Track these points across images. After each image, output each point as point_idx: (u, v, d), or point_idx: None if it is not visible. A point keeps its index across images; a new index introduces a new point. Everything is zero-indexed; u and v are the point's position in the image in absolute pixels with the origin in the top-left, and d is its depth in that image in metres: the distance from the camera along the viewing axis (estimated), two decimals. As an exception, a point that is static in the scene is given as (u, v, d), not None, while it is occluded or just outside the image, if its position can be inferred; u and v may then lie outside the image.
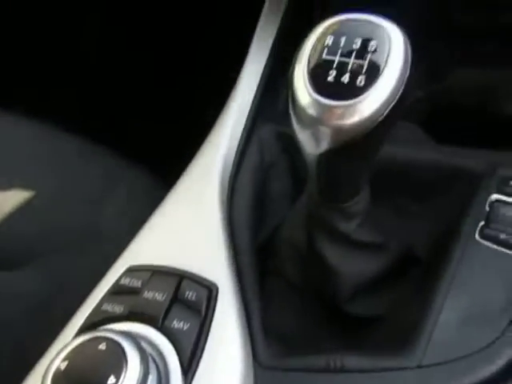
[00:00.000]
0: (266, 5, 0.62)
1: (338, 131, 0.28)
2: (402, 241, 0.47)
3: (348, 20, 0.30)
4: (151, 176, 0.67)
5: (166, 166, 0.62)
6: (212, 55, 0.88)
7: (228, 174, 0.46)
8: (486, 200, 0.44)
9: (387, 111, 0.28)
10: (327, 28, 0.30)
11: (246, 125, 0.51)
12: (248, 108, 0.51)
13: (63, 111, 0.82)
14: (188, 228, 0.41)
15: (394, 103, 0.28)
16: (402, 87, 0.28)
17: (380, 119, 0.28)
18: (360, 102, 0.27)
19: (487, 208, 0.44)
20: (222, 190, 0.44)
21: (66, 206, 0.58)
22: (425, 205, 0.50)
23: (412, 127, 0.54)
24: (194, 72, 0.89)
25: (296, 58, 0.30)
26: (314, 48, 0.29)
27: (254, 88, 0.54)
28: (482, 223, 0.43)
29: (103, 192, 0.60)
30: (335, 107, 0.28)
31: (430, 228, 0.49)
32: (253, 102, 0.52)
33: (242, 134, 0.50)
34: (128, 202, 0.59)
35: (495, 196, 0.44)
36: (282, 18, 0.61)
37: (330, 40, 0.29)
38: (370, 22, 0.29)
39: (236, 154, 0.47)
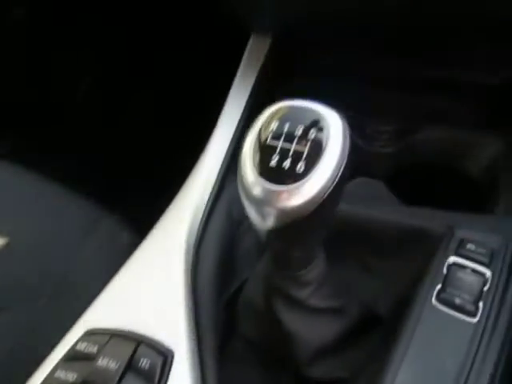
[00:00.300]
0: (241, 67, 0.65)
1: (281, 212, 0.30)
2: (363, 300, 0.48)
3: (293, 107, 0.31)
4: (129, 223, 0.68)
5: (143, 214, 0.63)
6: (187, 110, 0.91)
7: (195, 234, 0.47)
8: (444, 262, 0.45)
9: (327, 194, 0.29)
10: (273, 113, 0.32)
11: (215, 182, 0.52)
12: (218, 166, 0.53)
13: (45, 152, 0.84)
14: (150, 291, 0.42)
15: (332, 187, 0.29)
16: (341, 172, 0.29)
17: (320, 201, 0.29)
18: (299, 187, 0.29)
19: (445, 271, 0.45)
20: (187, 250, 0.45)
21: (39, 254, 0.59)
22: (387, 263, 0.51)
23: (377, 184, 0.56)
24: (169, 127, 0.92)
25: (245, 140, 0.32)
26: (260, 132, 0.31)
27: (226, 147, 0.56)
28: (439, 286, 0.44)
29: (78, 240, 0.60)
30: (277, 191, 0.29)
31: (392, 287, 0.50)
32: (223, 160, 0.54)
33: (212, 192, 0.52)
34: (103, 252, 0.60)
35: (453, 258, 0.46)
36: (256, 80, 0.64)
37: (274, 125, 0.31)
38: (313, 110, 0.31)
39: (204, 213, 0.49)
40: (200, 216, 0.48)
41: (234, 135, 0.59)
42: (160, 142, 0.90)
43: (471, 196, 0.59)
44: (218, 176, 0.52)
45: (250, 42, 0.68)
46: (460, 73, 0.62)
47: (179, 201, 0.49)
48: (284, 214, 0.29)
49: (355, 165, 0.30)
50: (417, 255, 0.48)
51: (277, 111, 0.31)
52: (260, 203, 0.30)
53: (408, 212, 0.51)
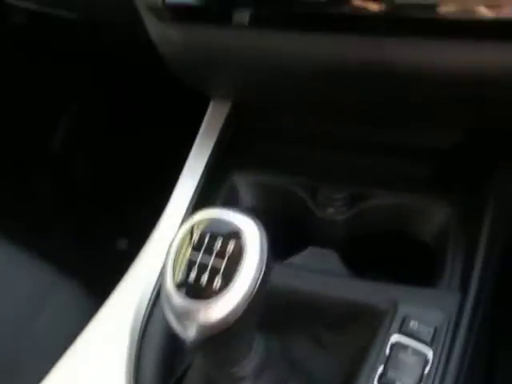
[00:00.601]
0: (201, 131, 0.67)
1: (200, 327, 0.30)
2: (313, 379, 0.48)
3: (214, 219, 0.32)
4: (83, 289, 0.67)
5: (99, 280, 0.63)
6: (142, 185, 0.92)
7: (140, 320, 0.46)
8: (387, 342, 0.46)
9: (245, 307, 0.30)
10: (196, 224, 0.32)
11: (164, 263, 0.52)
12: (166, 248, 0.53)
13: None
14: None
15: (251, 299, 0.30)
16: (258, 284, 0.30)
17: (239, 314, 0.30)
18: (216, 302, 0.29)
19: (387, 351, 0.45)
20: (131, 342, 0.44)
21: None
22: (337, 338, 0.51)
23: (328, 254, 0.57)
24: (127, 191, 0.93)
25: (169, 248, 0.32)
26: (181, 243, 0.32)
27: (177, 224, 0.57)
28: (381, 368, 0.44)
29: (28, 314, 0.59)
30: (194, 306, 0.30)
31: (341, 363, 0.50)
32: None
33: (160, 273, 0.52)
34: (53, 327, 0.59)
35: (395, 337, 0.46)
36: (215, 145, 0.65)
37: (195, 237, 0.32)
38: (233, 223, 0.32)
39: (151, 297, 0.48)
40: (146, 300, 0.48)
41: (188, 206, 0.60)
42: (123, 199, 0.90)
43: (425, 262, 0.60)
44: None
45: (210, 106, 0.70)
46: (410, 137, 0.64)
47: (126, 284, 0.49)
48: (203, 328, 0.30)
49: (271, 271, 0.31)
50: (363, 331, 0.48)
51: (199, 222, 0.32)
52: (179, 316, 0.30)
53: (355, 286, 0.51)
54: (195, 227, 0.32)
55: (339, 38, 0.48)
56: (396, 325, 0.46)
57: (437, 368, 0.43)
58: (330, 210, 0.62)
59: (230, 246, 0.30)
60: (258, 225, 0.31)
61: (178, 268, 0.31)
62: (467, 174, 0.61)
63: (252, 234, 0.31)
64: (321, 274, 0.53)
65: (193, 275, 0.30)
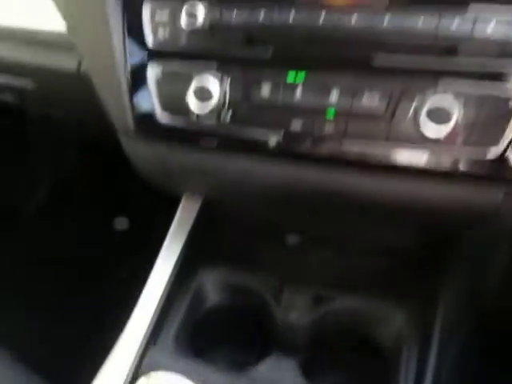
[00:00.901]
0: (172, 227, 0.69)
1: None
2: None
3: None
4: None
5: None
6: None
7: None
8: None
9: None
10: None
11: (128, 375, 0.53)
12: (132, 358, 0.54)
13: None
14: None
15: None
16: None
17: None
18: None
19: None
20: None
21: None
22: None
23: (289, 365, 0.58)
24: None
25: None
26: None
27: (146, 325, 0.58)
28: None
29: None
30: None
31: None
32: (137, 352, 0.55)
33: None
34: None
35: None
36: (186, 242, 0.67)
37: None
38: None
39: None
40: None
41: (157, 305, 0.61)
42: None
43: (382, 366, 0.61)
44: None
45: (183, 200, 0.72)
46: (368, 237, 0.68)
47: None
48: None
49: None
50: None
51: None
52: None
53: None
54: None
55: (295, 167, 0.51)
56: None
57: None
58: (294, 314, 0.64)
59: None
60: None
61: None
62: (421, 276, 0.64)
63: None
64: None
65: None
